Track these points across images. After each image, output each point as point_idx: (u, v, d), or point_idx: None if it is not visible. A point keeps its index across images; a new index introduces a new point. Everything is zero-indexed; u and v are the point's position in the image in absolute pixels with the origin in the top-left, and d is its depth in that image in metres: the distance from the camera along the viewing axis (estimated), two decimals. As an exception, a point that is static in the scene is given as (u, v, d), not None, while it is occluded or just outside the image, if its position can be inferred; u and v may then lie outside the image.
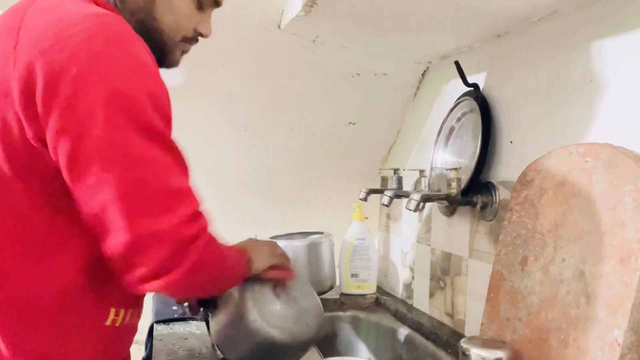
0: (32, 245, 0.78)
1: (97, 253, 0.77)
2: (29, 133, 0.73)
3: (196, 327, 1.29)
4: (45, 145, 0.73)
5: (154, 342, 1.21)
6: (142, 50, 0.77)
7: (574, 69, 1.01)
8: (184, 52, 0.96)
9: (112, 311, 0.86)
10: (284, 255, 1.07)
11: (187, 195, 0.80)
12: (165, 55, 0.92)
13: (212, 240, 0.82)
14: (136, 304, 0.92)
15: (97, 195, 0.72)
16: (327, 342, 1.53)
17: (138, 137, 0.73)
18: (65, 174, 0.73)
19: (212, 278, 0.87)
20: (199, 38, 0.97)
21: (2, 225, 0.77)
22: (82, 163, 0.71)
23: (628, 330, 0.73)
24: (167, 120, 0.80)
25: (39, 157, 0.74)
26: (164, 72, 0.85)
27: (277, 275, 1.04)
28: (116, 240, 0.72)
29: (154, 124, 0.75)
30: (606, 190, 0.82)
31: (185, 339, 1.22)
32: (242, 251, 0.97)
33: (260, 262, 1.00)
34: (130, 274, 0.75)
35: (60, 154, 0.72)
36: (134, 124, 0.73)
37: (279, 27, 1.43)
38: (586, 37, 0.99)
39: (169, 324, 1.31)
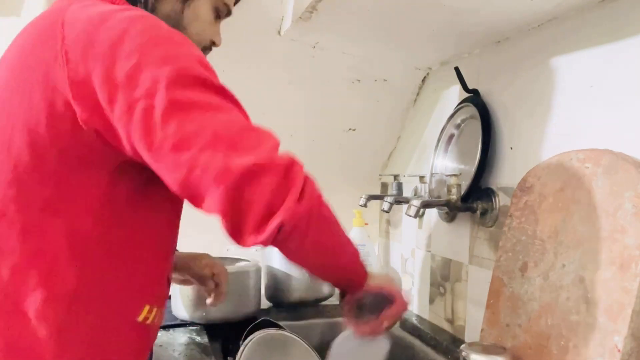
0: (83, 238, 0.76)
1: (136, 246, 0.77)
2: (84, 121, 0.72)
3: (197, 334, 1.29)
4: (100, 134, 0.72)
5: (154, 348, 1.21)
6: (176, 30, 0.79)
7: (574, 75, 1.02)
8: None
9: (146, 308, 0.84)
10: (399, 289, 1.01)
11: (265, 132, 0.74)
12: None
13: (309, 177, 0.76)
14: (164, 302, 0.91)
15: (183, 155, 0.68)
16: (327, 347, 1.53)
17: (202, 91, 0.72)
18: (142, 149, 0.70)
19: (327, 227, 0.81)
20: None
21: (52, 219, 0.75)
22: (157, 129, 0.68)
23: (628, 336, 0.73)
24: (214, 75, 0.79)
25: (99, 150, 0.74)
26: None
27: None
28: (218, 192, 0.67)
29: (213, 81, 0.75)
30: (606, 196, 0.82)
31: (186, 345, 1.22)
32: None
33: (379, 279, 0.95)
34: (247, 222, 0.68)
35: (132, 130, 0.69)
36: (194, 82, 0.72)
37: (278, 33, 1.44)
38: (586, 43, 0.99)
39: (169, 330, 1.31)
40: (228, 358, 1.17)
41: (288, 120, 1.65)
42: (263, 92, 1.57)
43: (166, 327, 1.32)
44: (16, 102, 0.75)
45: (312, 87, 1.58)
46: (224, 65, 1.48)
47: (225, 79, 1.54)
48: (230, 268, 1.43)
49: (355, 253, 0.90)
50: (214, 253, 1.52)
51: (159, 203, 0.83)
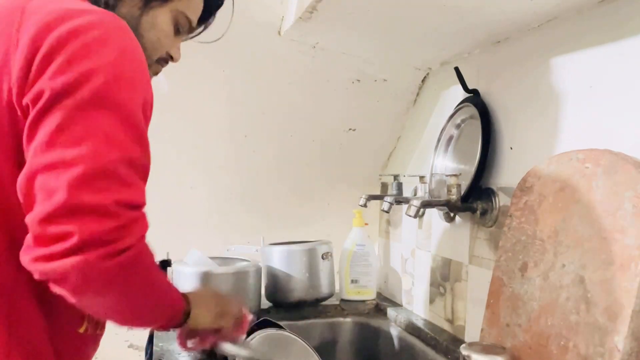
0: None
1: None
2: (15, 95, 0.72)
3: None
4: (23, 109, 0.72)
5: (154, 348, 1.21)
6: (141, 51, 0.79)
7: (573, 75, 1.02)
8: (155, 73, 0.99)
9: (87, 318, 0.85)
10: (233, 315, 1.02)
11: (139, 189, 0.73)
12: None
13: (147, 247, 0.76)
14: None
15: (48, 155, 0.68)
16: (327, 347, 1.53)
17: (118, 121, 0.72)
18: (28, 125, 0.71)
19: (136, 288, 0.77)
20: (170, 62, 1.00)
21: None
22: (49, 118, 0.69)
23: (628, 337, 0.73)
24: (148, 118, 0.79)
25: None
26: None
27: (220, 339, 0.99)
28: (51, 202, 0.66)
29: (137, 118, 0.74)
30: (606, 196, 0.82)
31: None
32: (182, 295, 0.91)
33: (202, 319, 0.95)
34: (49, 243, 0.67)
35: (36, 106, 0.70)
36: (118, 110, 0.72)
37: (279, 33, 1.44)
38: (586, 43, 0.99)
39: (169, 330, 1.31)
40: (228, 358, 1.17)
41: (288, 120, 1.65)
42: (263, 92, 1.57)
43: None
44: None
45: (312, 87, 1.58)
46: (224, 65, 1.49)
47: (225, 78, 1.56)
48: (230, 268, 1.43)
49: (171, 296, 0.88)
50: (214, 253, 1.53)
51: None
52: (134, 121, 0.74)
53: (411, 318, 1.46)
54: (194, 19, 0.97)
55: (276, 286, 1.56)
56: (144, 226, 0.73)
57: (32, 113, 0.70)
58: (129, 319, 0.84)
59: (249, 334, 1.12)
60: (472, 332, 1.24)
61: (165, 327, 0.91)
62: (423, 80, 1.61)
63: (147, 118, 0.78)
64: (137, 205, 0.72)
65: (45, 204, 0.67)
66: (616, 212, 0.79)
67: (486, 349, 0.89)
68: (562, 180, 0.91)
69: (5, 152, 0.74)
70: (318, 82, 1.57)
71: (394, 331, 1.47)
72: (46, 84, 0.69)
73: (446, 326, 1.35)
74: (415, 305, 1.53)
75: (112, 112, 0.71)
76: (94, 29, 0.73)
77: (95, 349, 0.92)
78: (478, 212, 1.21)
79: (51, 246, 0.66)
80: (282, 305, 1.56)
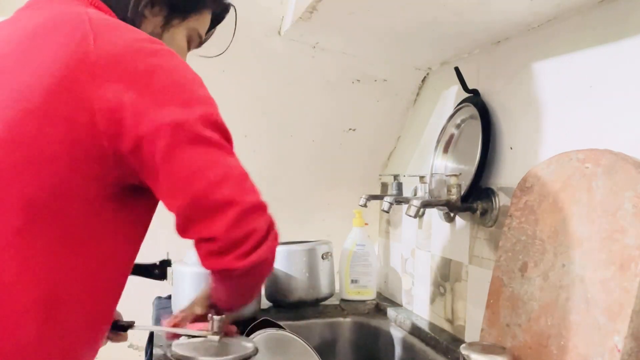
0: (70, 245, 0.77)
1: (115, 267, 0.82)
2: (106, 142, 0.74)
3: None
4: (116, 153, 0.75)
5: (154, 348, 1.21)
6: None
7: (573, 75, 1.02)
8: None
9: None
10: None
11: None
12: None
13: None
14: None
15: (195, 182, 0.75)
16: (327, 347, 1.53)
17: (219, 136, 0.80)
18: (152, 168, 0.76)
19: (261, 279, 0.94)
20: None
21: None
22: (175, 152, 0.75)
23: (628, 337, 0.73)
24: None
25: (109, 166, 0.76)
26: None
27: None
28: (226, 216, 0.75)
29: (227, 129, 0.84)
30: (606, 196, 0.82)
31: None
32: None
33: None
34: (239, 248, 0.77)
35: (152, 147, 0.74)
36: (215, 127, 0.80)
37: (279, 33, 1.44)
38: (586, 43, 0.99)
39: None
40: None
41: (288, 120, 1.65)
42: (263, 92, 1.57)
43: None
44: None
45: (312, 87, 1.58)
46: (224, 65, 1.49)
47: (225, 78, 1.56)
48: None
49: None
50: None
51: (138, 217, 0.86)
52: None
53: (411, 318, 1.46)
54: (204, 35, 1.04)
55: (276, 286, 1.56)
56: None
57: (159, 153, 0.75)
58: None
59: (248, 333, 1.12)
60: (472, 332, 1.24)
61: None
62: (423, 80, 1.61)
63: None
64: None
65: (225, 214, 0.76)
66: (616, 212, 0.79)
67: (486, 349, 0.89)
68: (562, 180, 0.91)
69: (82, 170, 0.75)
70: (318, 82, 1.57)
71: (394, 331, 1.47)
72: (159, 118, 0.74)
73: (446, 326, 1.35)
74: (415, 305, 1.53)
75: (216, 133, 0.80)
76: (167, 61, 0.80)
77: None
78: (478, 212, 1.21)
79: (244, 243, 0.77)
80: (282, 305, 1.56)
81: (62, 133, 0.72)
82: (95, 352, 0.86)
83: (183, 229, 0.78)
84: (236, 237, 0.76)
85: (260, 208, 0.79)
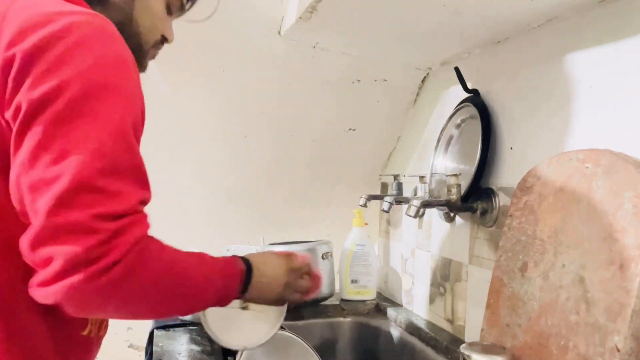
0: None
1: None
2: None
3: (197, 334, 1.29)
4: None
5: (154, 348, 1.21)
6: (125, 49, 0.75)
7: (574, 75, 1.02)
8: (152, 57, 0.97)
9: (89, 321, 0.84)
10: (302, 285, 1.00)
11: (126, 196, 0.69)
12: (139, 60, 0.90)
13: (146, 250, 0.71)
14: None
15: (31, 174, 0.66)
16: (327, 347, 1.53)
17: (99, 129, 0.68)
18: (13, 141, 0.69)
19: (145, 293, 0.73)
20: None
21: None
22: (30, 134, 0.67)
23: (628, 337, 0.73)
24: (139, 125, 0.75)
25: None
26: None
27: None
28: (34, 226, 0.65)
29: (120, 123, 0.71)
30: (606, 196, 0.82)
31: (186, 345, 1.22)
32: (234, 262, 0.89)
33: (267, 293, 0.93)
34: (40, 267, 0.66)
35: (16, 121, 0.68)
36: (98, 118, 0.69)
37: (279, 33, 1.44)
38: (586, 43, 0.99)
39: (169, 330, 1.31)
40: (228, 358, 1.17)
41: (288, 120, 1.65)
42: (263, 92, 1.57)
43: (166, 327, 1.32)
44: None
45: (312, 87, 1.58)
46: (224, 65, 1.49)
47: (225, 78, 1.56)
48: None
49: (212, 277, 0.83)
50: (214, 253, 1.52)
51: None
52: (117, 127, 0.70)
53: (411, 318, 1.46)
54: None
55: (276, 286, 1.56)
56: (137, 231, 0.68)
57: (15, 128, 0.68)
58: (158, 314, 0.83)
59: None
60: (472, 332, 1.24)
61: (218, 304, 0.86)
62: (423, 80, 1.61)
63: (137, 124, 0.74)
64: (123, 214, 0.67)
65: (30, 229, 0.66)
66: (616, 212, 0.79)
67: (486, 349, 0.89)
68: (562, 180, 0.91)
69: None
70: (318, 82, 1.57)
71: (394, 331, 1.47)
72: (24, 97, 0.67)
73: (446, 326, 1.35)
74: (415, 305, 1.53)
75: (91, 121, 0.68)
76: (70, 34, 0.70)
77: (97, 351, 0.91)
78: (478, 212, 1.21)
79: (42, 271, 0.65)
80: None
81: None
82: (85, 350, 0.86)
83: None
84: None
85: (62, 229, 0.64)
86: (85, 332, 0.84)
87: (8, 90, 0.69)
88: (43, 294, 0.66)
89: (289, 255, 1.01)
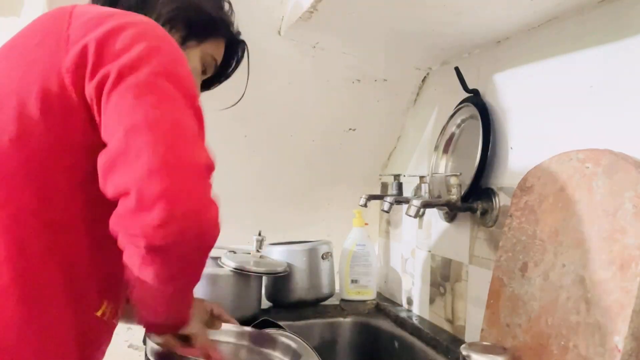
0: (51, 216, 0.76)
1: (106, 234, 0.72)
2: (70, 84, 0.74)
3: None
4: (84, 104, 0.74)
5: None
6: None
7: (574, 75, 1.02)
8: None
9: (105, 302, 0.84)
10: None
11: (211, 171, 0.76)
12: None
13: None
14: (121, 301, 0.91)
15: (129, 118, 0.69)
16: (327, 347, 1.53)
17: (183, 100, 0.75)
18: (101, 95, 0.72)
19: (199, 265, 0.80)
20: None
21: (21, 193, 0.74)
22: (121, 91, 0.71)
23: (628, 337, 0.73)
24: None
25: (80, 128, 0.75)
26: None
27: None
28: (143, 166, 0.66)
29: (195, 96, 0.79)
30: (606, 196, 0.82)
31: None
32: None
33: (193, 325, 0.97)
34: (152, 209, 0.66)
35: (104, 87, 0.71)
36: (180, 90, 0.75)
37: (279, 33, 1.44)
38: (586, 43, 0.99)
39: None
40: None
41: (288, 120, 1.65)
42: (263, 92, 1.57)
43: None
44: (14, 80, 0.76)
45: (312, 87, 1.58)
46: (224, 65, 1.49)
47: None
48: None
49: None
50: (214, 253, 1.52)
51: None
52: (196, 102, 0.80)
53: (411, 318, 1.46)
54: (219, 59, 1.07)
55: (276, 286, 1.56)
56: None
57: (104, 93, 0.71)
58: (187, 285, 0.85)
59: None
60: (472, 332, 1.24)
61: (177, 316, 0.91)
62: (423, 80, 1.61)
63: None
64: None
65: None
66: (616, 212, 0.79)
67: (486, 349, 0.89)
68: (562, 180, 0.91)
69: (55, 139, 0.75)
70: (318, 82, 1.57)
71: (394, 331, 1.47)
72: (110, 67, 0.71)
73: (446, 326, 1.35)
74: (415, 305, 1.53)
75: (176, 88, 0.74)
76: (142, 22, 0.78)
77: (108, 340, 0.91)
78: (478, 212, 1.21)
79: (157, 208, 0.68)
80: (282, 305, 1.56)
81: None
82: (92, 346, 0.86)
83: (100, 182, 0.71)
84: (151, 194, 0.66)
85: (196, 171, 0.70)
86: (99, 313, 0.83)
87: (90, 65, 0.73)
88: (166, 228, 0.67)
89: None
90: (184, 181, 0.68)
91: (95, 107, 0.73)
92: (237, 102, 1.21)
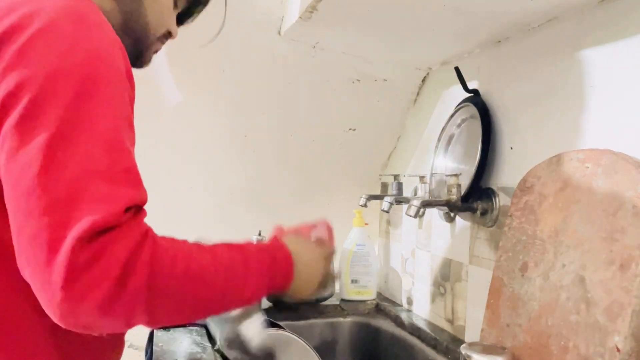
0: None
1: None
2: None
3: (197, 334, 1.29)
4: None
5: (154, 348, 1.21)
6: (106, 36, 0.69)
7: (574, 75, 1.01)
8: (156, 51, 0.96)
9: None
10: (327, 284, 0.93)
11: (99, 202, 0.60)
12: (142, 52, 0.90)
13: (158, 245, 0.65)
14: None
15: (10, 166, 0.61)
16: (327, 347, 1.53)
17: (77, 120, 0.62)
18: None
19: (173, 303, 0.67)
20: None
21: None
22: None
23: (628, 337, 0.73)
24: (124, 118, 0.69)
25: None
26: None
27: None
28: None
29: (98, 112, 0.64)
30: (606, 196, 0.82)
31: (187, 345, 1.22)
32: (273, 249, 0.82)
33: (304, 292, 0.87)
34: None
35: None
36: (78, 104, 0.62)
37: (279, 33, 1.44)
38: (586, 43, 0.99)
39: (169, 330, 1.31)
40: (229, 358, 1.17)
41: (288, 120, 1.65)
42: (263, 92, 1.57)
43: (166, 327, 1.32)
44: None
45: (312, 87, 1.57)
46: (224, 65, 1.49)
47: (225, 78, 1.55)
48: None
49: (246, 269, 0.76)
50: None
51: None
52: (105, 134, 0.64)
53: (411, 318, 1.46)
54: None
55: (276, 286, 1.56)
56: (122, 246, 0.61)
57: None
58: (201, 316, 0.77)
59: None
60: (472, 332, 1.24)
61: (262, 296, 0.81)
62: (423, 80, 1.61)
63: (121, 119, 0.67)
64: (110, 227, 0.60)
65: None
66: (616, 212, 0.79)
67: (486, 349, 0.89)
68: (562, 180, 0.91)
69: None
70: (318, 82, 1.56)
71: (394, 331, 1.47)
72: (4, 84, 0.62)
73: (446, 326, 1.35)
74: (415, 305, 1.53)
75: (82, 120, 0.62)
76: (32, 23, 0.63)
77: (120, 349, 0.87)
78: (478, 212, 1.21)
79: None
80: (282, 305, 1.56)
81: None
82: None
83: None
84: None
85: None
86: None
87: None
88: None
89: (321, 242, 0.97)
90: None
91: None
92: (218, 34, 1.07)
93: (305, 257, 0.87)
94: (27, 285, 0.62)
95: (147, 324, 0.66)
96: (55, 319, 0.60)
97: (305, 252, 0.89)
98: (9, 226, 0.63)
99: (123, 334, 0.87)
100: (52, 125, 0.60)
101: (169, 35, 0.95)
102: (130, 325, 0.65)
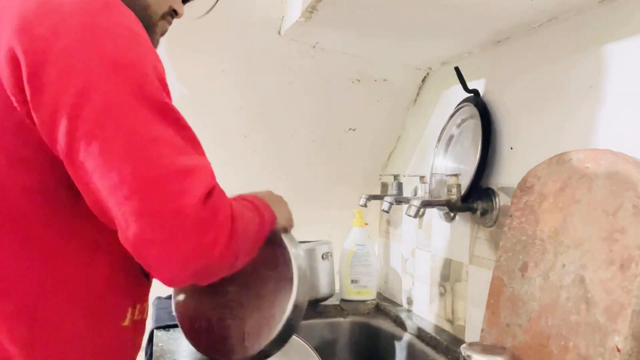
0: (38, 246, 0.73)
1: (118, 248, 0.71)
2: (24, 119, 0.69)
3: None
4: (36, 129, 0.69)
5: (154, 348, 1.21)
6: (134, 21, 0.74)
7: (574, 75, 1.01)
8: (163, 33, 0.94)
9: (129, 311, 0.83)
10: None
11: (197, 172, 0.74)
12: (148, 34, 0.90)
13: (232, 212, 0.78)
14: (146, 296, 0.89)
15: (99, 179, 0.67)
16: (327, 347, 1.53)
17: (142, 111, 0.69)
18: (64, 158, 0.69)
19: (247, 245, 0.83)
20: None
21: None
22: (79, 142, 0.66)
23: (628, 337, 0.73)
24: (168, 93, 0.77)
25: (36, 146, 0.70)
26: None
27: None
28: (127, 232, 0.67)
29: (158, 96, 0.72)
30: (606, 196, 0.82)
31: (186, 345, 1.22)
32: (267, 204, 0.96)
33: (283, 218, 1.02)
34: (161, 269, 0.70)
35: (58, 136, 0.67)
36: (135, 95, 0.69)
37: (279, 33, 1.43)
38: (586, 43, 0.99)
39: (169, 330, 1.31)
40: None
41: (288, 120, 1.65)
42: (263, 92, 1.57)
43: (166, 327, 1.32)
44: None
45: (312, 87, 1.57)
46: (224, 65, 1.49)
47: (224, 78, 1.56)
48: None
49: (263, 219, 0.91)
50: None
51: None
52: (166, 107, 0.75)
53: (411, 318, 1.46)
54: None
55: (276, 286, 1.56)
56: (219, 202, 0.77)
57: (64, 142, 0.67)
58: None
59: None
60: (472, 332, 1.24)
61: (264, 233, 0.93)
62: (423, 80, 1.61)
63: (164, 80, 0.76)
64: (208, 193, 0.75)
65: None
66: (616, 212, 0.79)
67: (486, 349, 0.89)
68: (562, 180, 0.91)
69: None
70: (318, 82, 1.56)
71: (394, 331, 1.47)
72: (57, 103, 0.66)
73: (446, 326, 1.35)
74: (416, 305, 1.53)
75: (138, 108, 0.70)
76: (73, 17, 0.69)
77: (142, 336, 0.90)
78: (478, 212, 1.21)
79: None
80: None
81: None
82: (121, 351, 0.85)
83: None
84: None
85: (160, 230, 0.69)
86: (125, 323, 0.83)
87: (28, 93, 0.67)
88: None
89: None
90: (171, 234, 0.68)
91: (56, 146, 0.69)
92: (212, 7, 1.06)
93: (267, 197, 1.02)
94: (69, 285, 0.74)
95: (235, 267, 0.81)
96: (187, 272, 0.71)
97: (264, 195, 1.03)
98: (55, 232, 0.73)
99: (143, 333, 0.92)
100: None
101: (174, 13, 0.93)
102: (235, 267, 0.81)
